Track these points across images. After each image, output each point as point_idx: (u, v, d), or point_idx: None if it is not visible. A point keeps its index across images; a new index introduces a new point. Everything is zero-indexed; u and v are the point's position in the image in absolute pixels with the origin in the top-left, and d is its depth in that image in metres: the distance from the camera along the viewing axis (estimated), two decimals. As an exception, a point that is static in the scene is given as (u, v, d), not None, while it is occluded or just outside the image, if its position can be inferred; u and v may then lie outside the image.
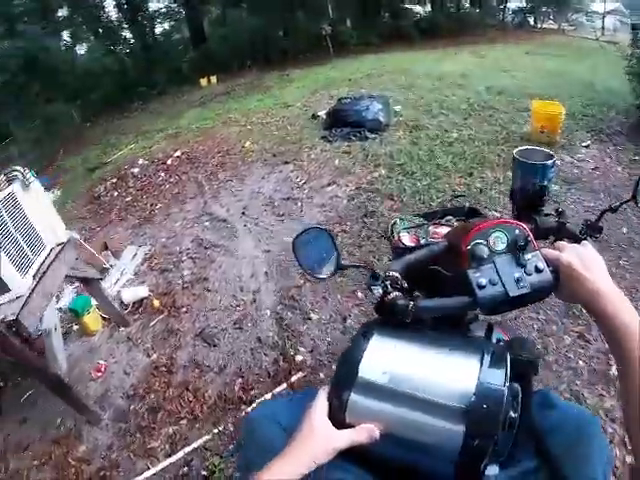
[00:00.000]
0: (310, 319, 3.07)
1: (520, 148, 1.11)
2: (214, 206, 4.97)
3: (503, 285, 0.83)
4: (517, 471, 0.81)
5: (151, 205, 5.70)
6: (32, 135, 12.58)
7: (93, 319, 3.38)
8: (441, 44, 13.39)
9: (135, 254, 4.58)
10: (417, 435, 0.79)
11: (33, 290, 2.33)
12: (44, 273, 2.47)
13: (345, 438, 0.79)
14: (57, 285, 2.68)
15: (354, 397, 0.81)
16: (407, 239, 1.24)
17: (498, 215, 3.64)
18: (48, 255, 2.64)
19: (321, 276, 0.96)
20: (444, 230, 1.26)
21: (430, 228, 1.28)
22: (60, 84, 14.18)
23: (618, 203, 1.03)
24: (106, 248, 4.68)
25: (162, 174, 6.60)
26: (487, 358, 0.80)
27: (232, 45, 15.72)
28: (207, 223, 4.65)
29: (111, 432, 2.56)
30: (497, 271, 0.85)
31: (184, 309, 3.45)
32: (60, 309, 3.90)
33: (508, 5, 20.16)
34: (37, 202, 2.62)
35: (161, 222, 5.13)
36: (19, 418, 2.79)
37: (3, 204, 2.31)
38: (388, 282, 0.89)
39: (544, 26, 19.44)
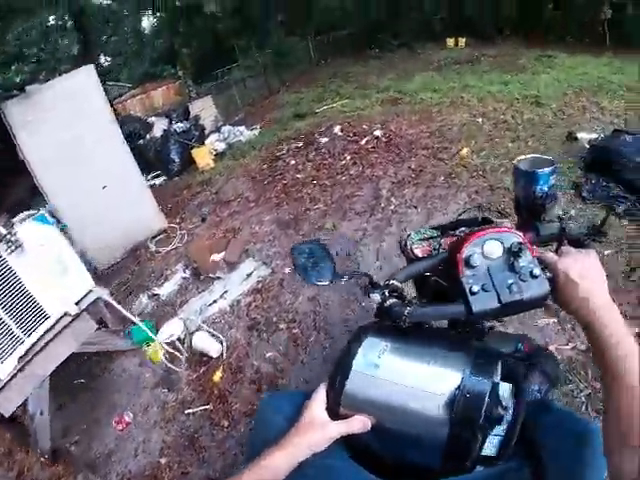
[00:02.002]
0: None
1: (521, 157, 1.04)
2: (370, 248, 3.37)
3: (496, 291, 0.82)
4: (499, 468, 0.79)
5: (311, 200, 4.41)
6: (263, 61, 12.33)
7: (153, 352, 2.86)
8: None
9: (250, 274, 3.39)
10: (406, 425, 0.79)
11: (17, 374, 1.98)
12: (37, 353, 2.06)
13: (340, 428, 0.81)
14: (54, 364, 2.18)
15: (348, 389, 0.82)
16: (419, 251, 1.21)
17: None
18: (53, 327, 2.12)
19: (319, 283, 1.04)
20: None
21: (443, 240, 1.22)
22: (300, 17, 13.45)
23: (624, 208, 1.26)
24: (226, 248, 3.62)
25: (348, 157, 5.21)
26: (476, 355, 0.82)
27: (491, 4, 12.40)
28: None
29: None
30: (491, 278, 0.84)
31: (225, 428, 2.33)
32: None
33: None
34: (45, 261, 2.05)
35: (305, 236, 3.80)
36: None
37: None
38: (386, 290, 0.90)
39: None
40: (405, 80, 8.92)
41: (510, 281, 0.82)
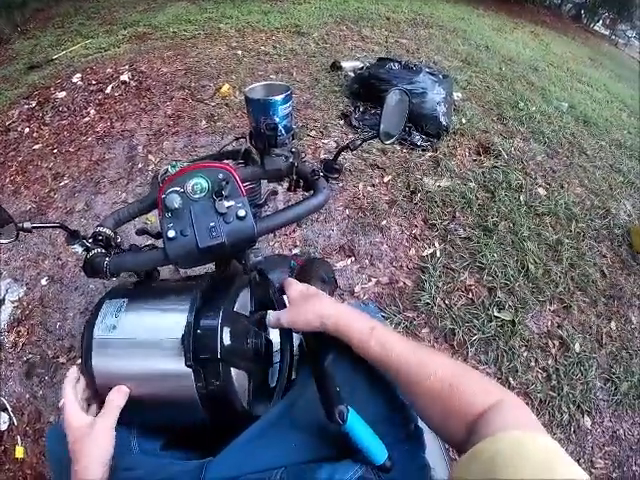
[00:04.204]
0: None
1: (254, 85, 0.88)
2: (134, 223, 2.73)
3: (195, 235, 0.72)
4: (290, 398, 0.71)
5: (55, 177, 3.44)
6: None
7: None
8: (496, 8, 9.99)
9: (2, 300, 2.50)
10: (158, 387, 0.69)
11: None
12: None
13: (105, 419, 0.66)
14: None
15: (96, 362, 0.70)
16: None
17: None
18: None
19: (3, 241, 0.81)
20: None
21: None
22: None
23: (359, 141, 0.90)
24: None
25: (92, 112, 4.21)
26: (203, 292, 0.73)
27: None
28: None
29: None
30: (192, 221, 0.73)
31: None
32: None
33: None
34: None
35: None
36: None
37: None
38: (90, 240, 0.79)
39: (595, 28, 15.10)
40: (156, 12, 7.75)
41: (212, 224, 0.72)
